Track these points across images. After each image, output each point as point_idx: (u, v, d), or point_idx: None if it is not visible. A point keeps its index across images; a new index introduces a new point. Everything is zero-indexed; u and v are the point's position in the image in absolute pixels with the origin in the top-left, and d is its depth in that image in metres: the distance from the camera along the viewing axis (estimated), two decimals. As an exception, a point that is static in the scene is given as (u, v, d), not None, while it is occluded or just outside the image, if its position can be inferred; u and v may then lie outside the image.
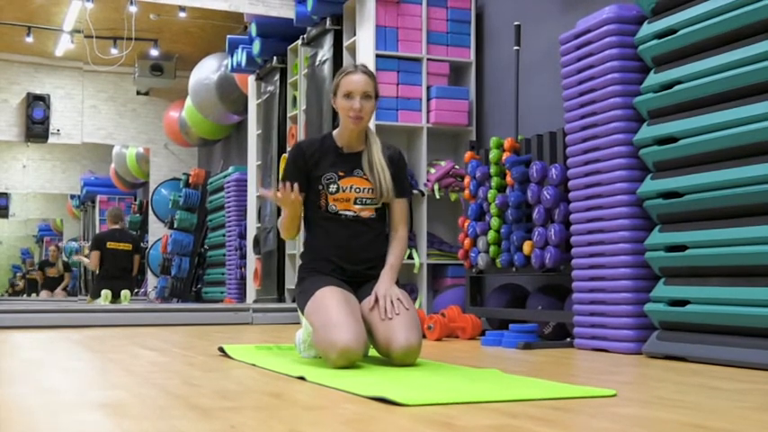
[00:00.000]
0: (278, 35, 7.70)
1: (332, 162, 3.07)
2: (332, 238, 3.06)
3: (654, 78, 3.50)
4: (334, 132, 3.13)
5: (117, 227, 9.07)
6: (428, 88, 5.70)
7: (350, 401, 2.04)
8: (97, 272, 9.00)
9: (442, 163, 5.58)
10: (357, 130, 3.05)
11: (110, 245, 8.92)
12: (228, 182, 9.55)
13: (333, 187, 3.03)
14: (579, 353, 3.67)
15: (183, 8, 8.67)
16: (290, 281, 7.46)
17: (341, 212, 3.04)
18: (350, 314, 2.80)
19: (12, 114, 12.00)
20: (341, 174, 3.05)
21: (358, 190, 3.06)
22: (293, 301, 7.32)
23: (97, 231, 14.92)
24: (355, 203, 3.04)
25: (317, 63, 6.73)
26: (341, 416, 1.86)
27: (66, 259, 16.11)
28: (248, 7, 7.50)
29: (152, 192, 12.86)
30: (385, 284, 2.95)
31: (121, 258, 8.92)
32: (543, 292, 4.40)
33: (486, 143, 5.10)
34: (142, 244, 13.57)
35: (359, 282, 3.05)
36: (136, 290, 13.26)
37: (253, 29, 7.84)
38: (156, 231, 12.70)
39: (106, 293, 8.75)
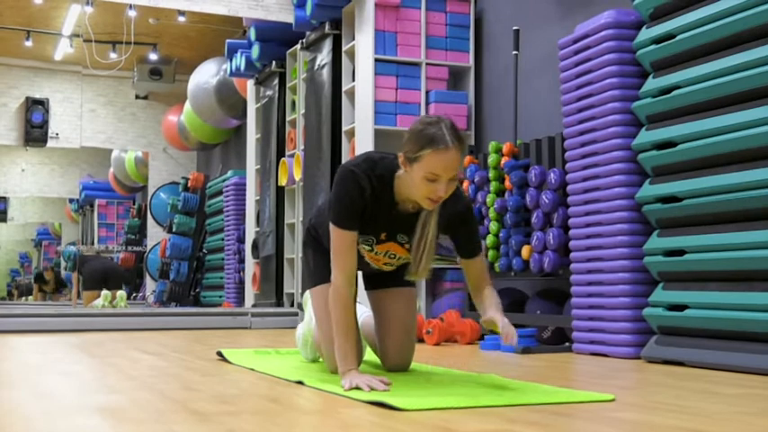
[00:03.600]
0: (277, 39, 7.71)
1: (380, 221, 2.54)
2: None
3: (652, 83, 3.50)
4: (398, 175, 2.45)
5: None
6: (427, 93, 5.70)
7: (348, 406, 2.04)
8: (82, 284, 9.43)
9: (441, 167, 5.58)
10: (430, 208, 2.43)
11: (86, 254, 9.53)
12: (227, 186, 9.55)
13: (367, 247, 2.62)
14: (578, 357, 3.67)
15: (182, 12, 8.67)
16: (289, 285, 7.46)
17: (366, 260, 2.69)
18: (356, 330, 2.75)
19: (11, 118, 12.00)
20: (382, 238, 2.59)
21: (392, 256, 2.65)
22: (291, 305, 7.32)
23: (95, 235, 14.93)
24: (384, 265, 2.72)
25: (316, 67, 6.73)
26: (339, 420, 1.86)
27: (64, 262, 16.11)
28: (247, 11, 7.51)
29: (151, 196, 12.86)
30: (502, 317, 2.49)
31: (100, 257, 9.58)
32: (542, 297, 4.40)
33: (485, 148, 5.11)
34: (140, 248, 13.60)
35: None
36: (134, 294, 13.29)
37: (252, 33, 7.85)
38: (155, 235, 12.70)
39: (106, 294, 8.79)
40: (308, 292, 3.23)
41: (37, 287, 15.08)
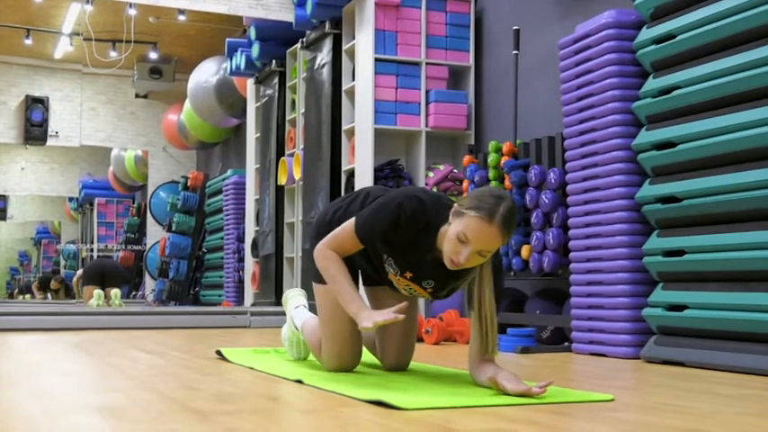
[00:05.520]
0: (277, 39, 7.71)
1: (411, 261, 2.50)
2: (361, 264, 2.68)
3: (652, 83, 3.50)
4: (442, 229, 2.38)
5: None
6: (427, 92, 5.70)
7: (347, 405, 2.04)
8: (81, 280, 9.48)
9: (441, 167, 5.58)
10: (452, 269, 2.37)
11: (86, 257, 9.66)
12: (227, 185, 9.55)
13: (392, 270, 2.57)
14: (577, 357, 3.67)
15: (182, 11, 8.67)
16: (289, 284, 7.46)
17: (388, 277, 2.62)
18: (356, 330, 2.74)
19: (10, 117, 11.99)
20: (406, 276, 2.54)
21: (413, 292, 2.62)
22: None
23: (95, 234, 14.94)
24: (402, 289, 2.64)
25: (316, 67, 6.73)
26: (338, 419, 1.86)
27: (64, 261, 16.12)
28: (247, 10, 7.51)
29: (150, 195, 12.86)
30: (503, 375, 2.27)
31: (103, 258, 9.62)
32: (541, 297, 4.40)
33: (485, 147, 5.11)
34: (140, 246, 13.60)
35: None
36: (134, 292, 13.29)
37: (252, 32, 7.85)
38: (155, 234, 12.70)
39: (99, 293, 8.79)
40: (288, 293, 3.24)
41: (37, 286, 15.07)
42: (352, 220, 2.49)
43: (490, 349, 2.37)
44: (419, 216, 2.40)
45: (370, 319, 2.31)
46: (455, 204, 2.35)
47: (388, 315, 2.28)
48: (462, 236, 2.25)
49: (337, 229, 2.53)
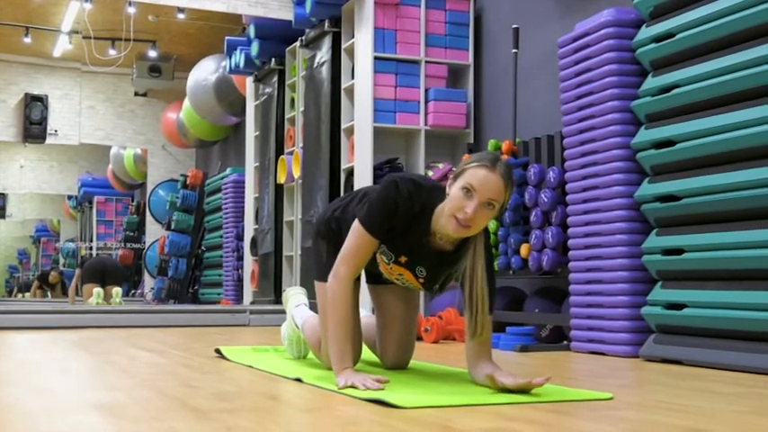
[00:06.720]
0: (276, 37, 7.70)
1: (407, 244, 2.48)
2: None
3: (652, 82, 3.50)
4: (438, 208, 2.38)
5: None
6: (426, 91, 5.70)
7: (347, 404, 2.04)
8: (81, 278, 9.47)
9: (440, 165, 5.58)
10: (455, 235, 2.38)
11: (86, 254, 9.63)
12: (226, 183, 9.54)
13: (385, 258, 2.56)
14: (576, 356, 3.67)
15: (181, 9, 8.67)
16: (288, 283, 7.46)
17: (380, 268, 2.63)
18: (357, 327, 2.73)
19: (9, 115, 11.99)
20: (401, 260, 2.53)
21: (403, 282, 2.62)
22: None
23: (94, 232, 14.93)
24: (395, 280, 2.65)
25: (315, 65, 6.73)
26: (337, 418, 1.86)
27: (63, 259, 16.11)
28: (247, 9, 7.50)
29: (149, 193, 12.86)
30: (500, 373, 2.30)
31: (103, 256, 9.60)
32: (540, 295, 4.40)
33: (484, 146, 5.11)
34: (139, 245, 13.59)
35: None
36: (133, 291, 13.29)
37: (251, 30, 7.84)
38: (154, 232, 12.70)
39: (98, 291, 8.80)
40: (288, 291, 3.24)
41: (37, 285, 15.06)
42: (356, 221, 2.46)
43: (479, 330, 2.35)
44: (415, 197, 2.40)
45: (348, 380, 2.25)
46: (450, 176, 2.36)
47: (372, 384, 2.21)
48: (468, 185, 2.26)
49: (346, 240, 2.47)
